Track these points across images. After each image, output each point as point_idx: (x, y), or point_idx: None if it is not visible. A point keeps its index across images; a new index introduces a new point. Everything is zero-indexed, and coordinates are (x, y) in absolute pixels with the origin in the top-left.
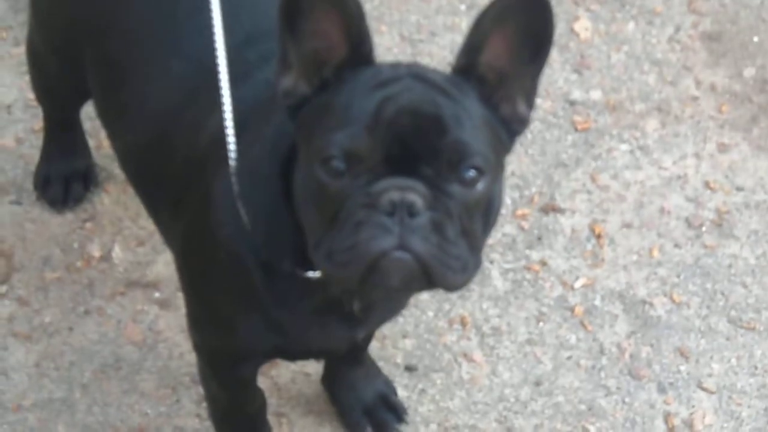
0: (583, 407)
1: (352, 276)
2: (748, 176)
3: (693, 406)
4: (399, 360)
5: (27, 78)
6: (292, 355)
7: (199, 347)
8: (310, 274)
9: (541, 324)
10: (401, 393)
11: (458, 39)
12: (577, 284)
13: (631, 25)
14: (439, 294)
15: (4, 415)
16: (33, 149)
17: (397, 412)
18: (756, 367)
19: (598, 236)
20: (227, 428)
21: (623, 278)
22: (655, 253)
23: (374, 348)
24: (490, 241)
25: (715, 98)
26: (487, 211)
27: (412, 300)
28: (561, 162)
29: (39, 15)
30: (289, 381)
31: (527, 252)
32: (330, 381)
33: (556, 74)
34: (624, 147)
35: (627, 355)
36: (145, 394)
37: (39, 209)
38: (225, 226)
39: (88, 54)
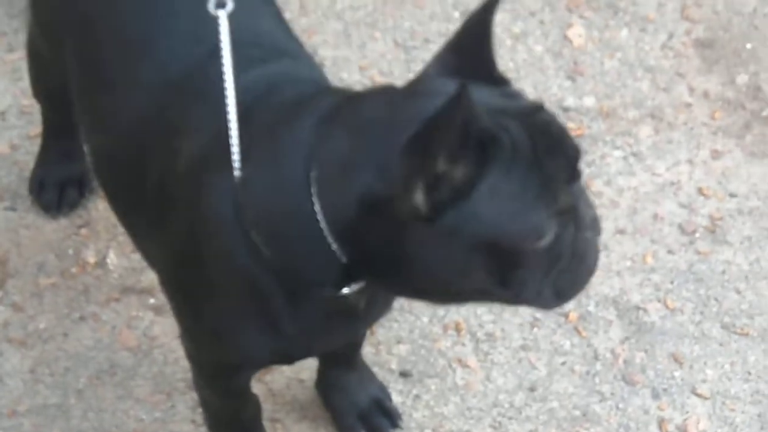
0: (577, 413)
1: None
2: (741, 183)
3: (687, 412)
4: (393, 366)
5: (21, 85)
6: (292, 360)
7: (194, 358)
8: (346, 290)
9: (535, 330)
10: (396, 399)
11: None
12: None
13: (624, 32)
14: None
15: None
16: (28, 156)
17: (392, 418)
18: (749, 373)
19: None
20: None
21: (617, 284)
22: (649, 259)
23: (368, 354)
24: None
25: (708, 105)
26: None
27: (407, 306)
28: None
29: (34, 9)
30: (283, 386)
31: None
32: (324, 386)
33: (550, 81)
34: (617, 153)
35: (621, 361)
36: (140, 400)
37: (34, 215)
38: (237, 257)
39: (68, 53)
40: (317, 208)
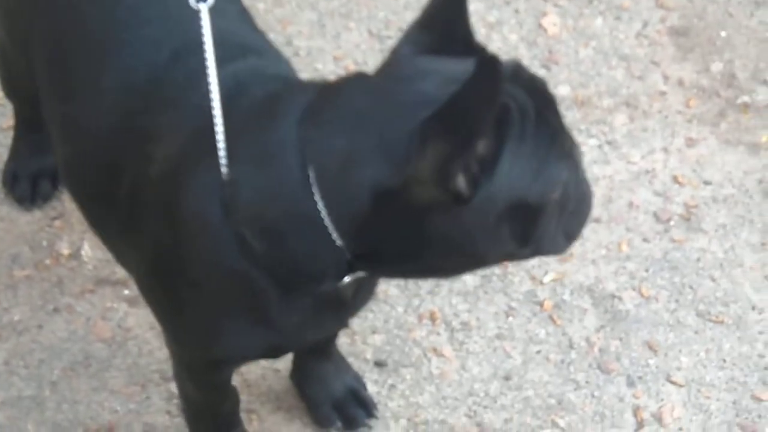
0: (552, 401)
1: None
2: (715, 170)
3: (662, 400)
4: (368, 356)
5: None
6: (281, 353)
7: (178, 356)
8: (346, 280)
9: (510, 319)
10: (371, 388)
11: None
12: (546, 279)
13: (599, 21)
14: (409, 289)
15: None
16: (1, 147)
17: (367, 407)
18: (724, 360)
19: None
20: (201, 426)
21: (592, 273)
22: (624, 248)
23: (344, 344)
24: None
25: (683, 93)
26: None
27: (382, 296)
28: None
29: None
30: (259, 377)
31: None
32: (299, 376)
33: None
34: (592, 142)
35: (596, 349)
36: (115, 392)
37: (7, 207)
38: (226, 255)
39: (35, 59)
40: (320, 206)
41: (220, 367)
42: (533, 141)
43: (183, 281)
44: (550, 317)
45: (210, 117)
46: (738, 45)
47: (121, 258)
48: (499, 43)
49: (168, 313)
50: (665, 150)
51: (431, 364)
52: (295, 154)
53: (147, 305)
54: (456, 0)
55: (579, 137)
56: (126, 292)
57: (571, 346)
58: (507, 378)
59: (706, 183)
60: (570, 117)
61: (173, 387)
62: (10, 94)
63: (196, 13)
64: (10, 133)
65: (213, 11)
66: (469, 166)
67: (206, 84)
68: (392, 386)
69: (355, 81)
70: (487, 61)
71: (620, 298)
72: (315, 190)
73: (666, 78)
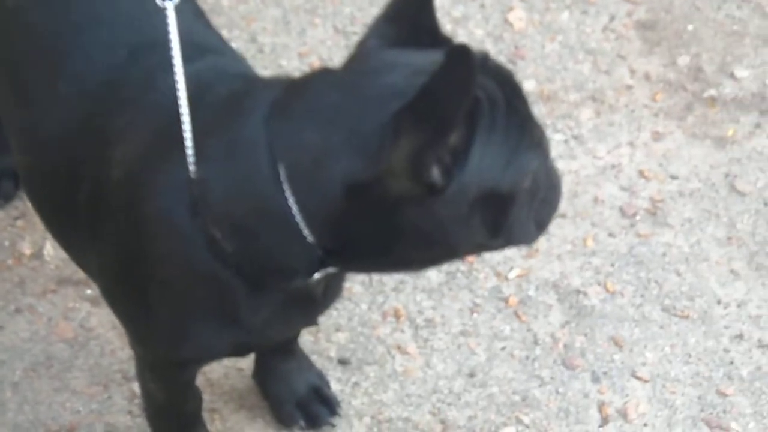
0: (516, 398)
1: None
2: (682, 164)
3: (627, 395)
4: (332, 353)
5: None
6: (249, 351)
7: (142, 356)
8: (316, 276)
9: (475, 315)
10: (334, 386)
11: None
12: (512, 275)
13: (565, 15)
14: (373, 287)
15: None
16: None
17: (330, 405)
18: (690, 355)
19: None
20: (163, 426)
21: (557, 268)
22: (589, 243)
23: (307, 342)
24: None
25: (650, 87)
26: None
27: (346, 293)
28: None
29: None
30: (221, 376)
31: None
32: (262, 375)
33: None
34: (558, 137)
35: (561, 345)
36: (77, 392)
37: None
38: (193, 254)
39: None
40: (291, 202)
41: (184, 366)
42: (503, 131)
43: (148, 283)
44: (515, 313)
45: (173, 116)
46: (705, 38)
47: (83, 263)
48: (465, 38)
49: (133, 316)
50: (631, 144)
51: (395, 361)
52: (264, 151)
53: (110, 308)
54: None
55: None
56: (88, 291)
57: (536, 342)
58: (471, 375)
59: (673, 177)
60: (536, 112)
61: (135, 387)
62: None
63: (150, 13)
64: None
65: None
66: (441, 157)
67: (165, 84)
68: (356, 384)
69: (322, 76)
70: (458, 51)
71: (585, 294)
72: (285, 186)
73: (632, 72)
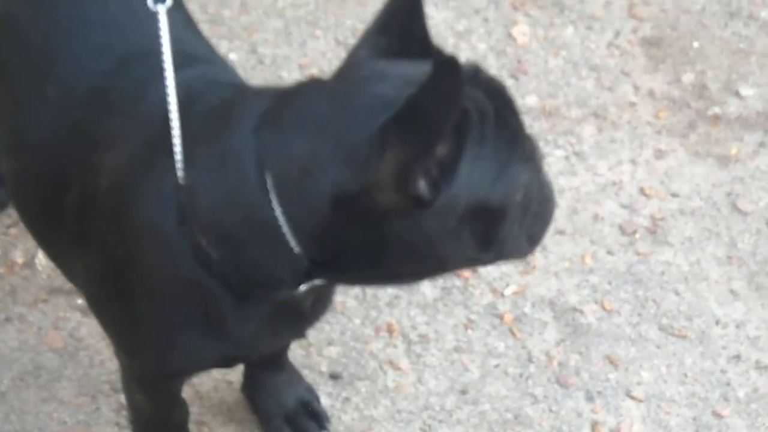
0: (509, 416)
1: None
2: (683, 182)
3: (621, 415)
4: (324, 368)
5: None
6: (235, 363)
7: (128, 367)
8: (303, 288)
9: (469, 331)
10: (325, 401)
11: None
12: (507, 291)
13: (570, 30)
14: (367, 301)
15: None
16: None
17: (319, 420)
18: (686, 375)
19: None
20: None
21: (554, 285)
22: (588, 260)
23: (298, 356)
24: None
25: (653, 104)
26: None
27: (339, 307)
28: None
29: None
30: (211, 389)
31: None
32: (251, 388)
33: None
34: (559, 153)
35: (555, 363)
36: (64, 402)
37: None
38: (180, 262)
39: None
40: (278, 212)
41: (171, 378)
42: (493, 143)
43: (135, 292)
44: (510, 330)
45: (162, 124)
46: (710, 56)
47: (69, 271)
48: (468, 52)
49: (119, 327)
50: (633, 161)
51: (387, 377)
52: (252, 160)
53: (96, 318)
54: (413, 2)
55: (546, 148)
56: (79, 301)
57: (530, 360)
58: (464, 392)
59: (674, 195)
60: (537, 127)
61: (123, 398)
62: None
63: (141, 20)
64: None
65: (158, 21)
66: (429, 170)
67: (155, 91)
68: (346, 399)
69: (312, 86)
70: (445, 62)
71: (582, 312)
72: (272, 196)
73: (636, 89)
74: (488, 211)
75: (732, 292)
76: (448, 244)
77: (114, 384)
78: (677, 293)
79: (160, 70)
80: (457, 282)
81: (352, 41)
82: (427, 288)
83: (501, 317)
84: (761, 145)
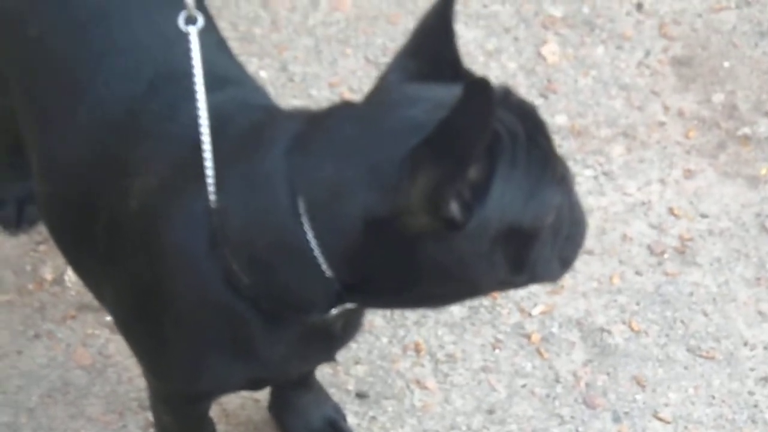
0: None
1: None
2: (713, 203)
3: None
4: (350, 387)
5: None
6: (265, 385)
7: (156, 388)
8: (334, 311)
9: (496, 351)
10: (351, 420)
11: None
12: (535, 311)
13: (600, 50)
14: (394, 320)
15: None
16: None
17: None
18: (713, 397)
19: None
20: None
21: (582, 305)
22: (616, 281)
23: (326, 375)
24: None
25: (683, 124)
26: None
27: (367, 326)
28: None
29: None
30: (238, 407)
31: None
32: (278, 407)
33: None
34: (588, 172)
35: (582, 384)
36: (92, 419)
37: None
38: (211, 286)
39: (12, 91)
40: (309, 236)
41: (199, 399)
42: (525, 166)
43: (164, 315)
44: (538, 350)
45: (192, 147)
46: (741, 76)
47: (98, 292)
48: (498, 71)
49: (147, 349)
50: (662, 181)
51: (414, 396)
52: (284, 184)
53: (124, 339)
54: (443, 26)
55: (574, 167)
56: (108, 318)
57: (557, 380)
58: (490, 412)
59: (703, 216)
60: (566, 147)
61: (151, 416)
62: None
63: (171, 42)
64: None
65: (190, 43)
66: (461, 193)
67: (186, 114)
68: (373, 418)
69: (343, 109)
70: (477, 85)
71: (609, 332)
72: (304, 219)
73: (666, 108)
74: (520, 233)
75: (760, 313)
76: (480, 266)
77: (142, 401)
78: (705, 314)
79: (191, 92)
80: (485, 301)
81: (383, 60)
82: (455, 307)
83: (528, 337)
84: None
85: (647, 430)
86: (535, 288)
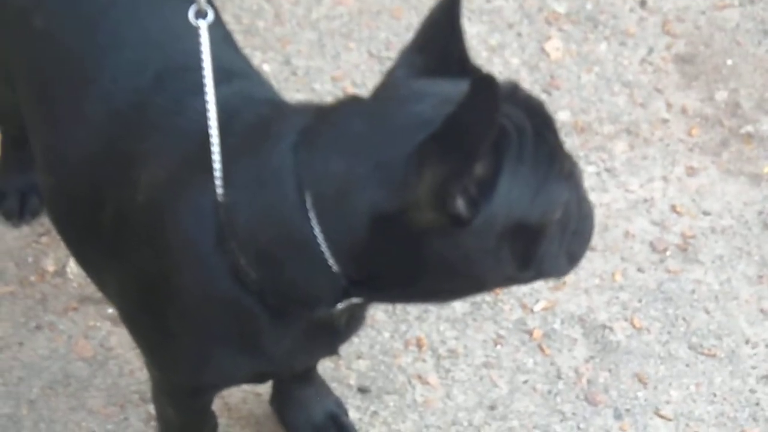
0: None
1: None
2: (715, 200)
3: None
4: (352, 381)
5: None
6: (269, 378)
7: (159, 381)
8: (340, 306)
9: (498, 347)
10: (353, 415)
11: None
12: (537, 307)
13: (603, 46)
14: (396, 315)
15: None
16: None
17: None
18: (715, 395)
19: None
20: None
21: (584, 302)
22: (618, 277)
23: (328, 369)
24: None
25: (686, 121)
26: None
27: (369, 321)
28: None
29: None
30: (239, 401)
31: None
32: (279, 401)
33: None
34: (591, 169)
35: (584, 380)
36: (93, 411)
37: None
38: (217, 280)
39: (18, 83)
40: (317, 232)
41: (202, 392)
42: (532, 161)
43: (169, 309)
44: (539, 346)
45: (200, 141)
46: (744, 74)
47: (102, 285)
48: (501, 66)
49: (151, 341)
50: (665, 179)
51: (415, 391)
52: (291, 179)
53: (128, 331)
54: (450, 21)
55: None
56: (110, 310)
57: (558, 377)
58: (492, 407)
59: (705, 213)
60: (569, 143)
61: (152, 408)
62: None
63: (178, 36)
64: None
65: (199, 35)
66: (467, 188)
67: (192, 108)
68: (374, 413)
69: (351, 104)
70: (483, 80)
71: (611, 329)
72: (311, 215)
73: (669, 106)
74: (527, 229)
75: (762, 311)
76: (486, 262)
77: (143, 394)
78: (707, 312)
79: (198, 86)
80: (487, 297)
81: (386, 54)
82: (457, 303)
83: (530, 333)
84: None
85: (648, 427)
86: (537, 284)
